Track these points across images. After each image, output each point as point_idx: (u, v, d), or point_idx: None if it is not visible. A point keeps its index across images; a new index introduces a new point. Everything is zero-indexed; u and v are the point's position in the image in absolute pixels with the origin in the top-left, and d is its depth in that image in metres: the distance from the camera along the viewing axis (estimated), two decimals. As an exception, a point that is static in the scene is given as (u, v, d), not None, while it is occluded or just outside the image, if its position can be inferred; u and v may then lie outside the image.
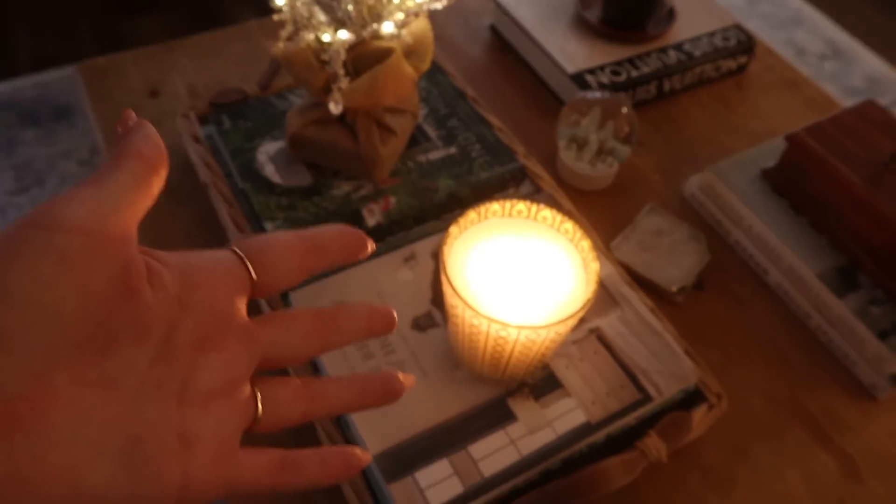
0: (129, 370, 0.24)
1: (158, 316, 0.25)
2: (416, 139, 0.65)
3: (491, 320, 0.41)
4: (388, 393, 0.32)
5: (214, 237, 0.64)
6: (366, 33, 0.52)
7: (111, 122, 0.74)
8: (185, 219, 0.67)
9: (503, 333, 0.42)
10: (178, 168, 0.70)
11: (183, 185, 0.69)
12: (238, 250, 0.29)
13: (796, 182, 0.66)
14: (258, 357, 0.29)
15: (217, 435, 0.27)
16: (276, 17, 0.49)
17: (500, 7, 0.84)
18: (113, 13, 1.82)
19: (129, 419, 0.24)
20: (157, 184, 0.26)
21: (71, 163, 1.48)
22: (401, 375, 0.33)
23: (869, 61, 1.76)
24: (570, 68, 0.77)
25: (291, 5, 0.50)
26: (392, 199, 0.60)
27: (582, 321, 0.54)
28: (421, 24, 0.56)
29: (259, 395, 0.29)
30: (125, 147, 0.26)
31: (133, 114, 0.28)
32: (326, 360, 0.51)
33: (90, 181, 0.25)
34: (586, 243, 0.46)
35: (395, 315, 0.33)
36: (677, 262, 0.65)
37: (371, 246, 0.33)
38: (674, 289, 0.62)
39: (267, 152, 0.63)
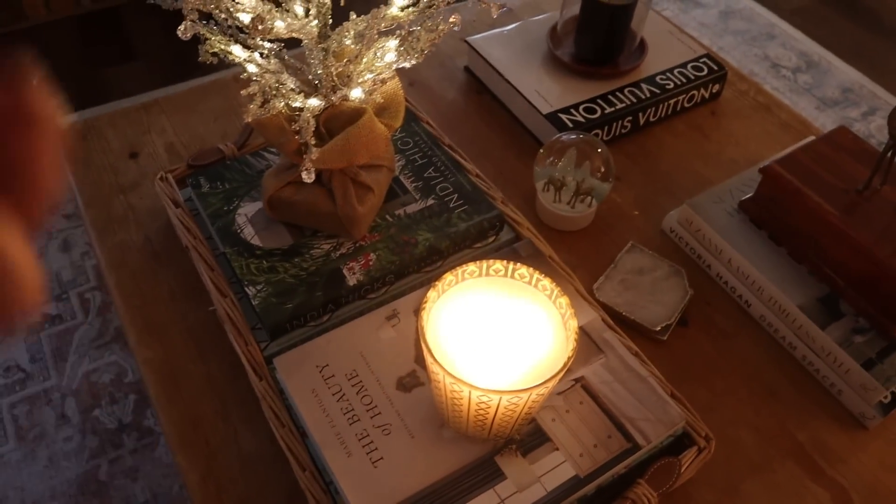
0: None
1: None
2: (394, 192, 0.65)
3: (472, 387, 0.41)
4: None
5: (198, 299, 0.64)
6: (335, 98, 0.53)
7: (91, 188, 0.75)
8: (168, 280, 0.67)
9: (485, 399, 0.42)
10: (160, 230, 0.71)
11: (165, 247, 0.69)
12: None
13: (773, 213, 0.66)
14: None
15: None
16: (243, 92, 0.50)
17: (473, 49, 0.85)
18: (95, 65, 1.83)
19: None
20: (15, 321, 0.21)
21: (57, 217, 1.48)
22: None
23: (843, 72, 1.78)
24: (545, 108, 0.78)
25: (261, 75, 0.51)
26: (372, 256, 0.60)
27: (566, 372, 0.54)
28: (391, 83, 0.57)
29: None
30: None
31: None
32: (312, 424, 0.51)
33: None
34: (564, 300, 0.46)
35: None
36: (660, 300, 0.65)
37: None
38: (658, 328, 0.63)
39: (246, 214, 0.63)
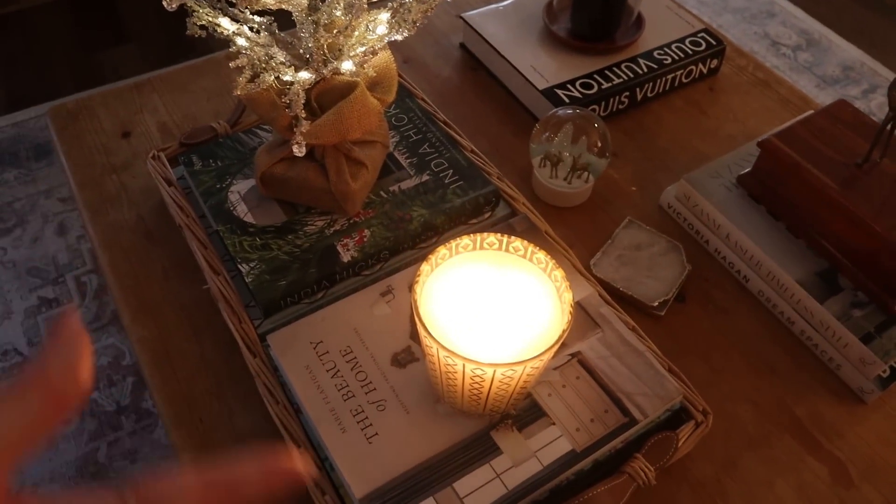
0: None
1: None
2: (388, 168, 0.65)
3: (465, 360, 0.41)
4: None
5: (191, 277, 0.64)
6: (326, 71, 0.52)
7: (84, 168, 0.74)
8: (161, 259, 0.66)
9: (479, 372, 0.42)
10: (153, 209, 0.70)
11: (158, 226, 0.69)
12: (127, 496, 0.24)
13: (771, 187, 0.66)
14: None
15: None
16: (232, 64, 0.49)
17: (468, 25, 0.84)
18: (88, 48, 1.82)
19: None
20: (62, 419, 0.23)
21: (53, 201, 1.47)
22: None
23: (843, 49, 1.76)
24: (541, 84, 0.77)
25: (250, 48, 0.50)
26: (366, 233, 0.60)
27: (562, 347, 0.53)
28: (383, 57, 0.56)
29: None
30: (36, 372, 0.22)
31: (75, 315, 0.24)
32: (306, 400, 0.51)
33: None
34: (559, 273, 0.45)
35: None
36: (657, 276, 0.64)
37: (302, 470, 0.26)
38: (655, 303, 0.62)
39: (239, 191, 0.63)
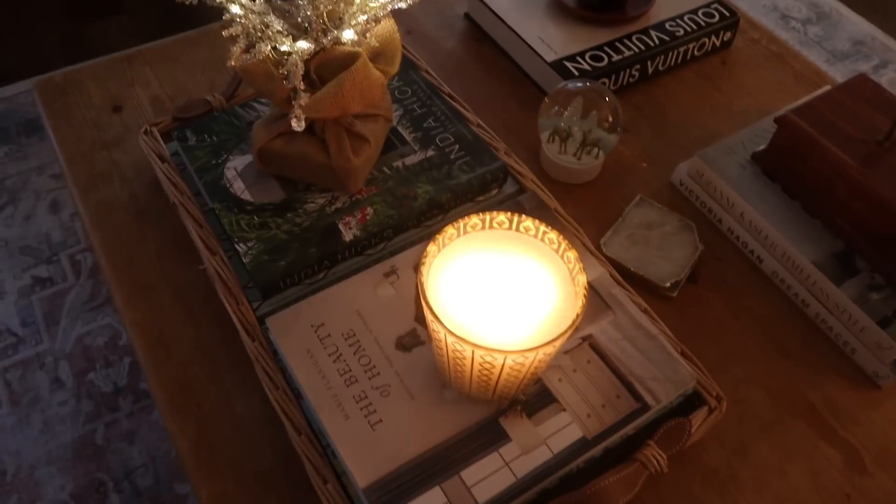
0: None
1: None
2: (392, 143, 0.62)
3: (475, 346, 0.39)
4: None
5: (187, 258, 0.61)
6: (326, 41, 0.49)
7: (73, 144, 0.71)
8: (156, 239, 0.64)
9: (489, 358, 0.40)
10: (146, 186, 0.68)
11: (152, 203, 0.66)
12: None
13: (788, 165, 0.63)
14: None
15: None
16: (225, 32, 0.46)
17: (472, -5, 0.81)
18: (77, 21, 1.77)
19: None
20: None
21: (45, 177, 1.44)
22: None
23: (854, 24, 1.73)
24: (549, 56, 0.74)
25: (245, 16, 0.47)
26: (369, 210, 0.57)
27: (574, 330, 0.51)
28: (386, 26, 0.54)
29: None
30: None
31: None
32: (307, 386, 0.49)
33: None
34: (572, 254, 0.43)
35: None
36: (669, 256, 0.62)
37: None
38: (667, 284, 0.60)
39: (235, 168, 0.60)
